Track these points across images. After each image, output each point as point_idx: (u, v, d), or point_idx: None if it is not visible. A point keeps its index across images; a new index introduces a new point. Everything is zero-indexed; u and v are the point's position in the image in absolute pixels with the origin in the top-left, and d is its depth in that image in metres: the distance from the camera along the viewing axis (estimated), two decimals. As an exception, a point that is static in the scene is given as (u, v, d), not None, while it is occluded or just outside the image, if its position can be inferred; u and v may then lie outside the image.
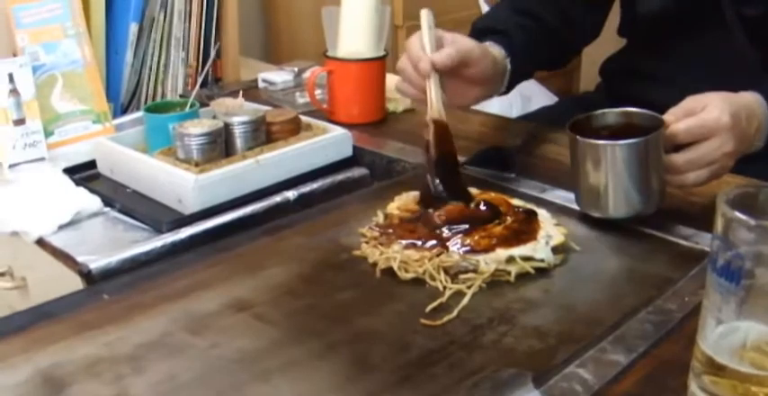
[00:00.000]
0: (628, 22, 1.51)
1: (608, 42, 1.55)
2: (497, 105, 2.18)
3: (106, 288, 0.98)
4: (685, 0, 1.35)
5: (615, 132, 1.05)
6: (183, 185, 1.15)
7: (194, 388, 0.78)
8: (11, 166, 1.35)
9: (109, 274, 1.04)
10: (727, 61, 1.34)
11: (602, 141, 1.02)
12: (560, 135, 1.36)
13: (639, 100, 1.16)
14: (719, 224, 0.68)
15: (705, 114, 1.03)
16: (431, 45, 1.14)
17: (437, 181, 1.09)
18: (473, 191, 1.11)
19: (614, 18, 1.51)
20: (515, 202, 1.08)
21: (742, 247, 0.67)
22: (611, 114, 1.09)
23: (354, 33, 1.45)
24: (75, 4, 1.47)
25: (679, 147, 1.04)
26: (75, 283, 1.05)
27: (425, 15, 1.18)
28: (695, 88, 1.11)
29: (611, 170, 1.02)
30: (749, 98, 1.11)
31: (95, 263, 1.04)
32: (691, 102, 1.05)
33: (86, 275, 1.04)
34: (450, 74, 1.16)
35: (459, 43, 1.17)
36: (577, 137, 1.03)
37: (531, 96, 2.09)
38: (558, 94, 2.13)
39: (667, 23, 1.39)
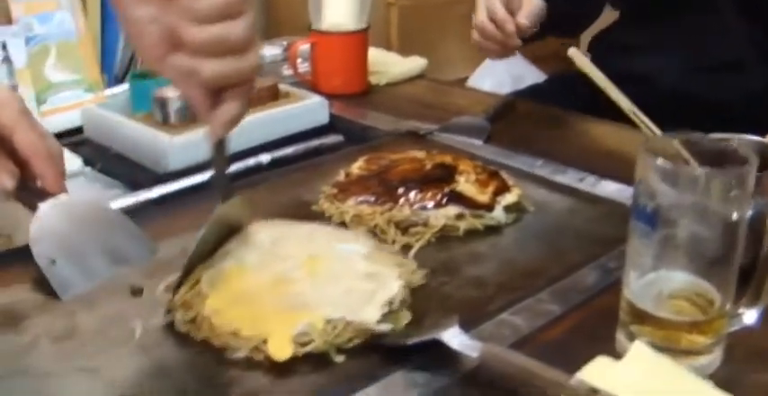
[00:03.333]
0: None
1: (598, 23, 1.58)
2: (489, 84, 2.20)
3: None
4: None
5: None
6: (159, 146, 1.18)
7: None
8: (2, 130, 1.38)
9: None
10: (714, 40, 1.37)
11: None
12: (534, 107, 1.40)
13: (624, 72, 1.18)
14: (639, 171, 0.70)
15: None
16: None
17: None
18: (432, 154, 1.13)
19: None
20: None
21: (659, 193, 0.69)
22: None
23: (337, 6, 1.47)
24: (70, -24, 1.50)
25: None
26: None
27: None
28: (677, 57, 1.12)
29: None
30: None
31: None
32: None
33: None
34: None
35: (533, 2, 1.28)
36: None
37: (522, 76, 2.12)
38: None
39: None
